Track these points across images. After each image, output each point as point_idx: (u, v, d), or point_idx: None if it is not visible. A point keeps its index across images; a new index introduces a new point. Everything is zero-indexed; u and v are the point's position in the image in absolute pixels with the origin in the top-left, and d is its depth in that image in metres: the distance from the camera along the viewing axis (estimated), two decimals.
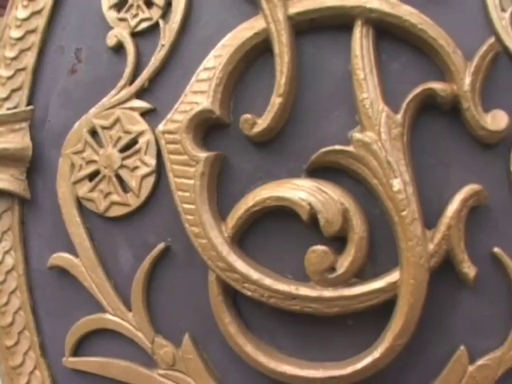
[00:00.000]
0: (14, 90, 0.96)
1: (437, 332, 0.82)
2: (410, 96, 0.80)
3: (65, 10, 0.98)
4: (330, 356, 0.84)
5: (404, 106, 0.80)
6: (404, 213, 0.79)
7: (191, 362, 0.89)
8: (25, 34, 0.97)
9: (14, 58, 0.97)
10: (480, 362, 0.81)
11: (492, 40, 0.81)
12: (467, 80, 0.79)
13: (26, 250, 0.99)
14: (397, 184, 0.79)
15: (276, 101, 0.83)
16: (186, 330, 0.90)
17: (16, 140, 0.94)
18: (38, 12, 0.98)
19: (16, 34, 0.98)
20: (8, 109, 0.96)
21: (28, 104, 0.97)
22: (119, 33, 0.93)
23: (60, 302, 0.97)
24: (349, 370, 0.80)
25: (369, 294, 0.81)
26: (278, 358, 0.84)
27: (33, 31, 0.97)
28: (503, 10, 0.82)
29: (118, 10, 0.94)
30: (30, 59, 0.97)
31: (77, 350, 0.96)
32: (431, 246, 0.79)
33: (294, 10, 0.84)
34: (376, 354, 0.79)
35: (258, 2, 0.86)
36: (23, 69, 0.97)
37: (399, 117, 0.80)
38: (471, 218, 0.81)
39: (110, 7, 0.94)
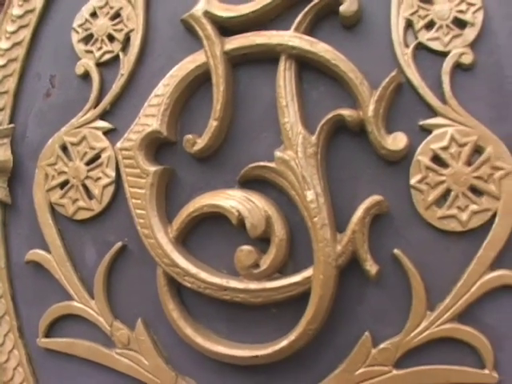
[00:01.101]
0: None
1: (345, 320, 0.96)
2: (323, 120, 0.94)
3: (41, 41, 1.14)
4: (257, 339, 0.98)
5: (318, 128, 0.95)
6: (316, 219, 0.93)
7: (143, 343, 1.05)
8: (7, 62, 1.14)
9: None
10: (381, 346, 0.94)
11: (394, 72, 0.94)
12: (371, 107, 0.93)
13: (7, 247, 1.15)
14: (310, 195, 0.93)
15: (212, 124, 0.98)
16: (139, 316, 1.05)
17: None
18: (19, 43, 1.13)
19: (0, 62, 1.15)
20: None
21: (10, 122, 1.13)
22: (86, 63, 1.09)
23: (35, 291, 1.13)
24: (269, 350, 0.95)
25: (288, 286, 0.95)
26: (213, 340, 0.99)
27: (14, 60, 1.13)
28: (407, 46, 0.96)
29: (86, 43, 1.10)
30: (11, 84, 1.13)
31: (49, 332, 1.13)
32: (339, 248, 0.93)
33: (229, 46, 0.99)
34: (292, 337, 0.94)
35: (199, 39, 1.01)
36: (5, 92, 1.13)
37: (314, 138, 0.94)
38: (376, 224, 0.94)
39: (79, 41, 1.10)
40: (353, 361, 0.95)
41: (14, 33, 1.12)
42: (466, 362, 0.92)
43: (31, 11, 1.12)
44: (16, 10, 1.12)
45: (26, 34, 1.13)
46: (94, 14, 1.09)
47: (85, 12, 1.10)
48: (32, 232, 1.13)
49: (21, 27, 1.12)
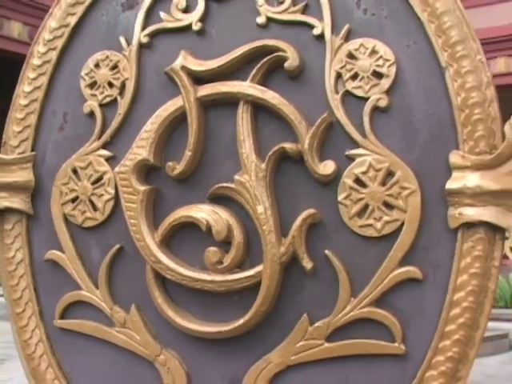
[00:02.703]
0: (22, 141, 1.41)
1: (289, 305, 1.24)
2: (271, 152, 1.22)
3: (56, 86, 1.42)
4: (222, 319, 1.27)
5: (267, 158, 1.22)
6: (264, 227, 1.21)
7: (136, 323, 1.33)
8: (29, 102, 1.42)
9: (23, 119, 1.41)
10: (316, 324, 1.22)
11: (325, 114, 1.21)
12: (307, 141, 1.20)
13: (30, 249, 1.43)
14: (260, 209, 1.21)
15: (187, 154, 1.27)
16: (133, 301, 1.34)
17: (24, 175, 1.39)
18: (38, 87, 1.42)
19: (23, 101, 1.42)
20: (18, 154, 1.42)
21: (31, 150, 1.42)
22: (91, 104, 1.38)
23: (52, 283, 1.41)
24: (230, 327, 1.23)
25: (244, 278, 1.23)
26: (189, 319, 1.28)
27: (35, 100, 1.42)
28: (337, 92, 1.22)
29: (91, 88, 1.38)
30: (33, 120, 1.42)
31: (63, 315, 1.42)
32: (282, 249, 1.21)
33: (201, 93, 1.27)
34: (247, 317, 1.22)
35: (178, 87, 1.31)
36: (28, 126, 1.42)
37: (263, 165, 1.22)
38: (312, 231, 1.22)
39: (86, 86, 1.39)
40: (294, 336, 1.23)
41: (34, 79, 1.40)
42: (381, 337, 1.19)
43: (48, 62, 1.41)
44: (36, 61, 1.41)
45: (44, 80, 1.41)
46: (97, 65, 1.38)
47: (90, 63, 1.39)
48: (50, 237, 1.41)
49: (40, 74, 1.41)
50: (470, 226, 1.14)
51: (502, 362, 5.67)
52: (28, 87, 1.41)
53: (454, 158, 1.14)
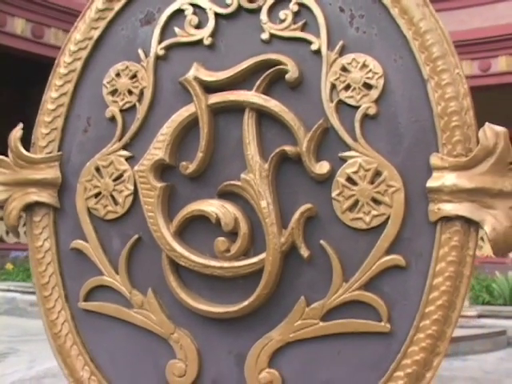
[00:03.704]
0: (49, 142, 1.58)
1: (288, 288, 1.41)
2: (273, 154, 1.39)
3: (81, 92, 1.58)
4: (230, 300, 1.44)
5: (269, 159, 1.40)
6: (267, 220, 1.39)
7: (152, 305, 1.50)
8: (56, 107, 1.58)
9: (50, 122, 1.58)
10: (312, 306, 1.39)
11: (321, 120, 1.38)
12: (305, 144, 1.37)
13: (57, 238, 1.60)
14: (263, 203, 1.39)
15: (199, 155, 1.44)
16: (150, 286, 1.51)
17: (51, 173, 1.56)
18: (65, 93, 1.58)
19: (51, 106, 1.59)
20: (46, 153, 1.58)
21: (58, 150, 1.58)
22: (113, 109, 1.54)
23: (77, 269, 1.58)
24: (236, 307, 1.41)
25: (249, 265, 1.41)
26: (199, 301, 1.45)
27: (61, 105, 1.58)
28: (331, 101, 1.39)
29: (112, 95, 1.55)
30: (59, 123, 1.58)
31: (86, 298, 1.58)
32: (283, 239, 1.38)
33: (211, 101, 1.45)
34: (251, 299, 1.39)
35: (191, 95, 1.48)
36: (55, 128, 1.58)
37: (266, 165, 1.39)
38: (309, 223, 1.40)
39: (107, 93, 1.55)
40: (293, 316, 1.40)
41: (61, 86, 1.57)
42: (369, 317, 1.37)
43: (73, 70, 1.57)
44: (62, 70, 1.58)
45: (69, 87, 1.58)
46: (118, 75, 1.55)
47: (112, 73, 1.56)
48: (74, 228, 1.58)
49: (66, 82, 1.57)
50: (447, 219, 1.32)
51: (500, 358, 5.82)
52: (55, 93, 1.58)
53: (434, 159, 1.32)
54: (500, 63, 12.49)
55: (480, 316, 7.35)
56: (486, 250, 10.28)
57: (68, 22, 10.67)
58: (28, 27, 11.94)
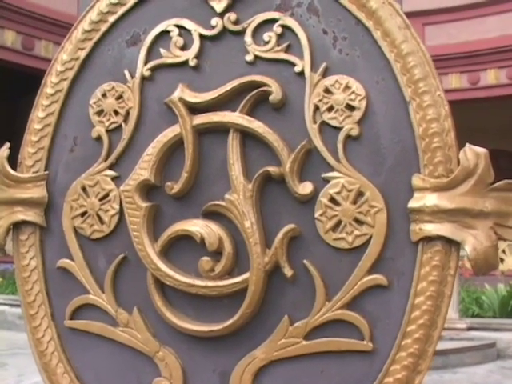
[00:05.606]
0: (36, 161, 1.59)
1: (272, 307, 1.42)
2: (257, 174, 1.41)
3: (67, 112, 1.60)
4: (215, 320, 1.45)
5: (253, 179, 1.42)
6: (251, 239, 1.40)
7: (137, 323, 1.51)
8: (43, 127, 1.59)
9: (37, 141, 1.59)
10: (295, 324, 1.40)
11: (304, 142, 1.40)
12: (288, 165, 1.39)
13: (44, 257, 1.61)
14: (247, 223, 1.40)
15: (184, 175, 1.46)
16: (135, 304, 1.52)
17: (38, 192, 1.57)
18: (51, 113, 1.59)
19: (38, 126, 1.60)
20: (33, 172, 1.59)
21: (45, 170, 1.59)
22: (99, 129, 1.56)
23: (63, 288, 1.59)
24: (220, 326, 1.42)
25: (233, 284, 1.42)
26: (184, 320, 1.46)
27: (48, 125, 1.59)
28: (315, 122, 1.42)
29: (99, 115, 1.57)
30: (46, 142, 1.59)
31: (72, 316, 1.58)
32: (266, 259, 1.40)
33: (196, 121, 1.47)
34: (235, 317, 1.41)
35: (176, 116, 1.50)
36: (42, 148, 1.59)
37: (250, 186, 1.41)
38: (292, 243, 1.41)
39: (94, 113, 1.57)
40: (276, 335, 1.42)
41: (47, 106, 1.59)
42: (352, 336, 1.38)
43: (60, 90, 1.59)
44: (49, 90, 1.59)
45: (56, 107, 1.59)
46: (104, 95, 1.57)
47: (98, 93, 1.57)
48: (61, 247, 1.59)
49: (53, 102, 1.59)
50: (429, 239, 1.34)
51: (489, 370, 5.86)
52: (42, 113, 1.60)
53: (416, 180, 1.34)
54: (489, 76, 12.60)
55: (470, 328, 7.39)
56: None
57: (59, 34, 10.72)
58: (18, 39, 11.97)
